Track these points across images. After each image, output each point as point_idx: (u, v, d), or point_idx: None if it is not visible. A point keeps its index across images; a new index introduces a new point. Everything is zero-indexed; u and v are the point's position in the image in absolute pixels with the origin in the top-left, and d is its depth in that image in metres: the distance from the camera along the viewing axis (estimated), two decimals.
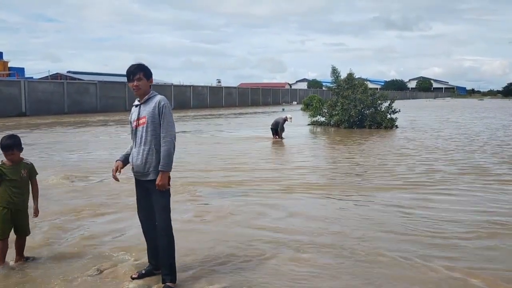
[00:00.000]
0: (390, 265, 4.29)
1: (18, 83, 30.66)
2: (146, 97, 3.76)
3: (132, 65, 3.75)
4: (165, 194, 3.69)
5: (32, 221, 5.58)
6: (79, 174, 8.89)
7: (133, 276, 3.89)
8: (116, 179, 3.84)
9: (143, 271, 3.91)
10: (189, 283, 3.80)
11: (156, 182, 3.60)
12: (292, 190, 7.60)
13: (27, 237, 4.97)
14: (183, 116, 31.84)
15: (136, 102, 3.81)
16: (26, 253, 4.39)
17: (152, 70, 3.84)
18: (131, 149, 3.83)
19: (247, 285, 3.80)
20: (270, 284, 3.83)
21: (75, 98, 33.91)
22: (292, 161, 11.28)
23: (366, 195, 7.24)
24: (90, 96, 35.39)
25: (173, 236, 3.76)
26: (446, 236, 5.16)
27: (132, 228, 5.21)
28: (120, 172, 3.82)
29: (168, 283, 3.65)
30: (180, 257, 4.19)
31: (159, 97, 3.73)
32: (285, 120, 16.26)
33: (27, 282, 3.86)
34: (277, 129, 16.09)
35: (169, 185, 3.66)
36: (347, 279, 3.98)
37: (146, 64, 3.82)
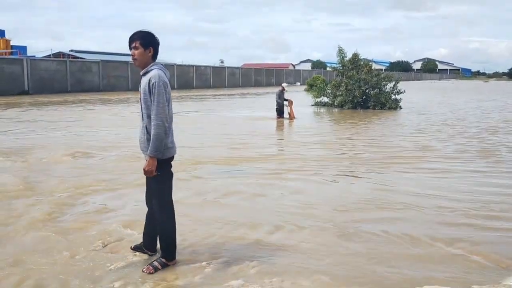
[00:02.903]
0: (392, 243, 4.29)
1: (20, 61, 30.50)
2: (145, 69, 3.46)
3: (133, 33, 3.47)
4: (158, 179, 3.49)
5: (36, 197, 5.64)
6: (82, 151, 8.89)
7: (131, 246, 3.95)
8: None
9: (137, 245, 3.94)
10: (190, 258, 3.82)
11: (143, 167, 3.44)
12: (293, 169, 7.59)
13: (32, 212, 5.01)
14: (186, 96, 31.72)
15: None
16: (31, 230, 4.41)
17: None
18: None
19: (249, 259, 3.81)
20: (271, 259, 3.85)
21: (78, 77, 33.77)
22: (294, 141, 11.25)
23: (369, 174, 7.23)
24: (93, 75, 35.23)
25: (169, 220, 3.61)
26: (451, 213, 5.15)
27: (135, 204, 5.23)
28: None
29: (161, 259, 3.64)
30: (181, 234, 4.21)
31: (152, 74, 3.37)
32: (281, 91, 16.12)
33: (34, 254, 3.88)
34: (281, 108, 16.00)
35: (157, 171, 3.41)
36: (350, 255, 3.99)
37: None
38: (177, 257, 3.73)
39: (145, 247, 3.87)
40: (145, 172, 3.43)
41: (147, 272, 3.53)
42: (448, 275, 3.62)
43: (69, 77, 33.09)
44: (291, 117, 15.93)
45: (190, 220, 4.75)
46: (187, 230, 4.44)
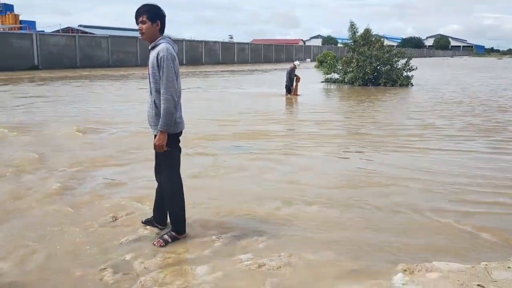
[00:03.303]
0: (399, 219, 4.29)
1: (30, 36, 30.43)
2: (153, 43, 3.42)
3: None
4: (167, 154, 3.49)
5: (46, 172, 5.70)
6: (92, 126, 8.94)
7: (142, 220, 4.01)
8: None
9: (148, 219, 3.99)
10: (199, 232, 3.86)
11: (153, 142, 3.44)
12: (301, 146, 7.58)
13: (43, 186, 5.07)
14: (195, 71, 31.59)
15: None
16: (42, 204, 4.47)
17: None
18: None
19: (257, 234, 3.84)
20: (279, 233, 3.87)
21: (87, 52, 33.70)
22: (302, 118, 11.20)
23: (378, 151, 7.19)
24: (102, 50, 35.11)
25: (177, 193, 3.63)
26: (460, 190, 5.13)
27: (145, 179, 5.27)
28: None
29: (171, 232, 3.69)
30: (190, 209, 4.24)
31: (160, 47, 3.34)
32: (293, 68, 15.81)
33: (45, 227, 3.94)
34: (290, 85, 15.86)
35: (167, 147, 3.42)
36: (357, 230, 4.00)
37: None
38: (187, 231, 3.77)
39: (156, 221, 3.91)
40: (156, 147, 3.43)
41: (158, 245, 3.58)
42: (457, 252, 3.62)
43: (78, 52, 33.04)
44: (294, 93, 15.77)
45: (199, 195, 4.78)
46: (197, 205, 4.47)
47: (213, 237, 3.76)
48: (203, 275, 3.12)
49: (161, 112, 3.34)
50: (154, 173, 3.85)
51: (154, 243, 3.61)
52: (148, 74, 3.47)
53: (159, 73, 3.34)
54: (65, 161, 6.20)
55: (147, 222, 3.97)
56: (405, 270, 3.15)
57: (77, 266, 3.25)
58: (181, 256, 3.43)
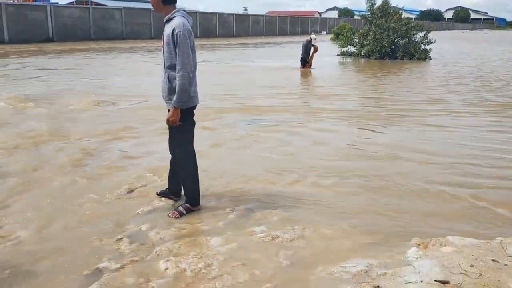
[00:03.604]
0: (414, 194, 4.27)
1: (44, 7, 30.35)
2: (167, 17, 3.38)
3: None
4: (180, 128, 3.49)
5: (62, 143, 5.77)
6: (107, 99, 8.98)
7: (157, 192, 4.05)
8: None
9: (163, 190, 4.03)
10: (214, 205, 3.90)
11: (167, 117, 3.43)
12: (316, 120, 7.54)
13: (60, 158, 5.14)
14: (210, 44, 31.34)
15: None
16: (59, 175, 4.54)
17: None
18: None
19: (271, 207, 3.86)
20: (294, 207, 3.89)
21: (100, 24, 33.57)
22: (316, 92, 11.10)
23: (395, 125, 7.12)
24: (116, 22, 34.93)
25: (191, 167, 3.64)
26: (476, 165, 5.07)
27: (159, 152, 5.30)
28: None
29: (186, 204, 3.72)
30: (206, 181, 4.28)
31: (175, 22, 3.28)
32: (309, 42, 15.50)
33: (62, 198, 4.01)
34: (306, 58, 15.64)
35: (181, 121, 3.42)
36: (371, 205, 4.00)
37: None
38: (201, 203, 3.81)
39: (171, 192, 3.95)
40: (169, 122, 3.44)
41: (173, 216, 3.62)
42: (472, 227, 3.60)
43: (92, 24, 32.93)
44: (308, 65, 15.51)
45: (214, 168, 4.81)
46: (211, 177, 4.50)
47: (228, 209, 3.80)
48: (218, 246, 3.16)
49: (176, 88, 3.32)
50: (168, 145, 3.87)
51: (169, 214, 3.65)
52: (163, 48, 3.43)
53: (175, 50, 3.30)
54: (81, 133, 6.26)
55: (162, 194, 4.02)
56: (419, 244, 3.15)
57: (94, 235, 3.32)
58: (195, 228, 3.47)
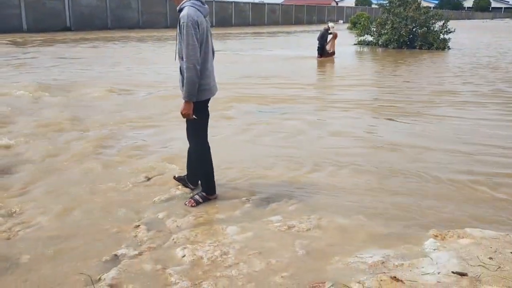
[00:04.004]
0: (431, 184, 4.23)
1: None
2: (178, 6, 3.33)
3: None
4: (194, 120, 3.45)
5: (80, 132, 5.84)
6: (123, 88, 9.04)
7: (174, 176, 4.10)
8: None
9: (181, 176, 4.05)
10: (230, 194, 3.91)
11: (179, 111, 3.41)
12: (331, 110, 7.48)
13: (77, 146, 5.21)
14: (227, 33, 31.25)
15: None
16: (77, 163, 4.60)
17: None
18: None
19: (287, 197, 3.86)
20: (310, 197, 3.88)
21: (117, 13, 33.68)
22: (332, 82, 11.01)
23: (413, 118, 7.03)
24: (132, 11, 35.02)
25: (205, 158, 3.65)
26: (494, 157, 4.99)
27: (177, 140, 5.33)
28: None
29: (202, 193, 3.75)
30: (222, 170, 4.30)
31: (183, 12, 3.22)
32: (326, 30, 15.34)
33: (80, 185, 4.07)
34: (322, 47, 15.49)
35: (194, 115, 3.37)
36: (388, 195, 3.97)
37: None
38: (218, 192, 3.83)
39: (188, 179, 3.97)
40: (182, 115, 3.42)
41: (189, 205, 3.65)
42: (491, 219, 3.55)
43: (109, 13, 33.07)
44: (329, 53, 15.33)
45: (230, 158, 4.82)
46: (227, 167, 4.51)
47: (243, 198, 3.81)
48: (234, 234, 3.17)
49: (184, 81, 3.29)
50: (186, 134, 3.89)
51: (186, 203, 3.68)
52: (176, 38, 3.40)
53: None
54: (99, 122, 6.33)
55: (179, 180, 4.04)
56: (436, 236, 3.12)
57: (112, 222, 3.37)
58: (212, 216, 3.50)
